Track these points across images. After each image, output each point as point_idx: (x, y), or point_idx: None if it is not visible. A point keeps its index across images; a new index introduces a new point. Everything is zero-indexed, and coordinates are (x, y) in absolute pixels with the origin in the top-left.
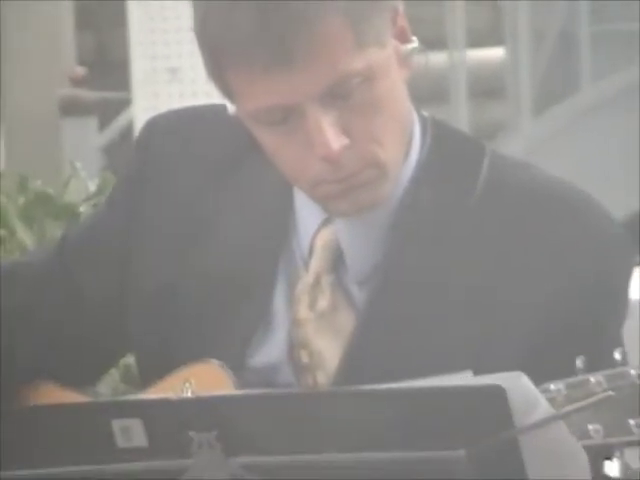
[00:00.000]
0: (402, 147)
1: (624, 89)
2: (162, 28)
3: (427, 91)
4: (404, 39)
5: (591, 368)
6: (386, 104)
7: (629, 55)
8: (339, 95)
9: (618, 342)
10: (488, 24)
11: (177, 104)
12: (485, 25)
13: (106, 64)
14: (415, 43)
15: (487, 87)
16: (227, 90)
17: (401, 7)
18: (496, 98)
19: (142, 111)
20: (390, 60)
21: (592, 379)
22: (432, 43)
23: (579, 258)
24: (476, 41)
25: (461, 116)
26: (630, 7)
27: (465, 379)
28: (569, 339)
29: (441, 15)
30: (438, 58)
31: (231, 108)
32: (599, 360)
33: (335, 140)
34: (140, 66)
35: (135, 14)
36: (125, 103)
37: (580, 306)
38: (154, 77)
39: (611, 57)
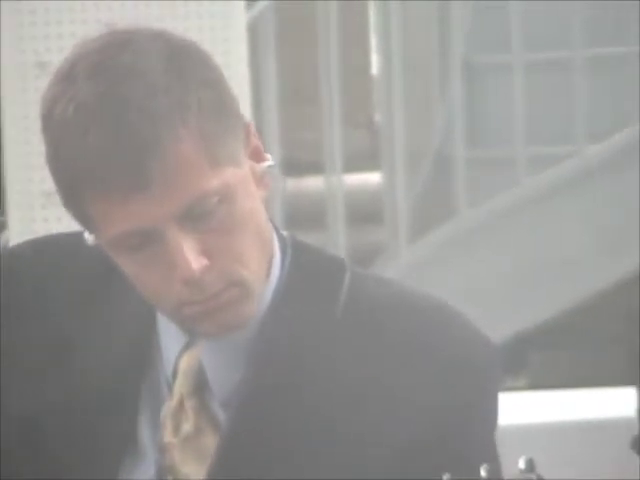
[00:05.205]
0: (264, 265)
1: (500, 214)
2: (38, 151)
3: (304, 215)
4: (259, 158)
5: None
6: (246, 223)
7: (505, 180)
8: (198, 216)
9: (490, 456)
10: (365, 148)
11: (54, 228)
12: (362, 149)
13: None
14: (270, 161)
15: (364, 212)
16: (84, 218)
17: (252, 127)
18: (373, 223)
19: (17, 235)
20: (247, 179)
21: None
22: (309, 167)
23: (444, 372)
24: (353, 166)
25: (339, 241)
26: (505, 132)
27: None
28: (436, 453)
29: (319, 139)
30: (315, 182)
31: (89, 238)
32: (467, 474)
33: (195, 262)
34: (15, 190)
35: (10, 136)
36: (0, 227)
37: (446, 418)
38: (30, 201)
39: (487, 182)
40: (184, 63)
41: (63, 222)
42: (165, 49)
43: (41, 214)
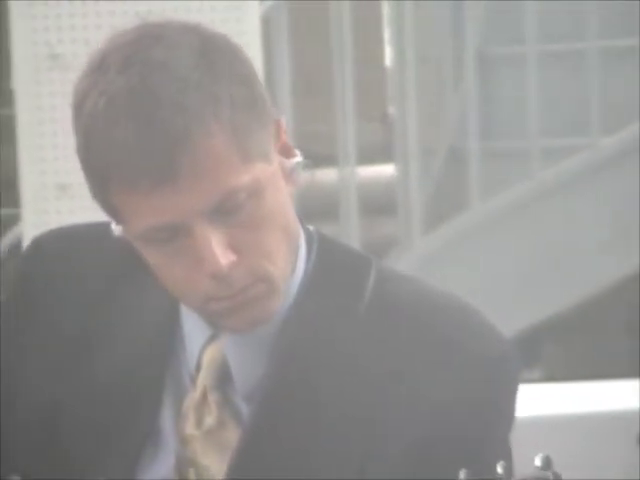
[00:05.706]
0: (290, 261)
1: (514, 206)
2: (52, 143)
3: (318, 207)
4: (288, 154)
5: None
6: (274, 218)
7: (518, 172)
8: (227, 211)
9: (504, 453)
10: (378, 141)
11: (67, 220)
12: (375, 142)
13: None
14: (299, 157)
15: (378, 204)
16: (112, 210)
17: (283, 122)
18: (387, 215)
19: (31, 228)
20: (276, 175)
21: None
22: (323, 160)
23: (462, 369)
24: (367, 158)
25: (352, 233)
26: (518, 125)
27: None
28: (453, 450)
29: (332, 132)
30: (329, 174)
31: (116, 229)
32: (483, 472)
33: (223, 257)
34: (29, 182)
35: (24, 130)
36: (14, 220)
37: (463, 415)
38: (43, 193)
39: (500, 174)
40: (216, 57)
41: (76, 214)
42: (197, 43)
43: (54, 206)
